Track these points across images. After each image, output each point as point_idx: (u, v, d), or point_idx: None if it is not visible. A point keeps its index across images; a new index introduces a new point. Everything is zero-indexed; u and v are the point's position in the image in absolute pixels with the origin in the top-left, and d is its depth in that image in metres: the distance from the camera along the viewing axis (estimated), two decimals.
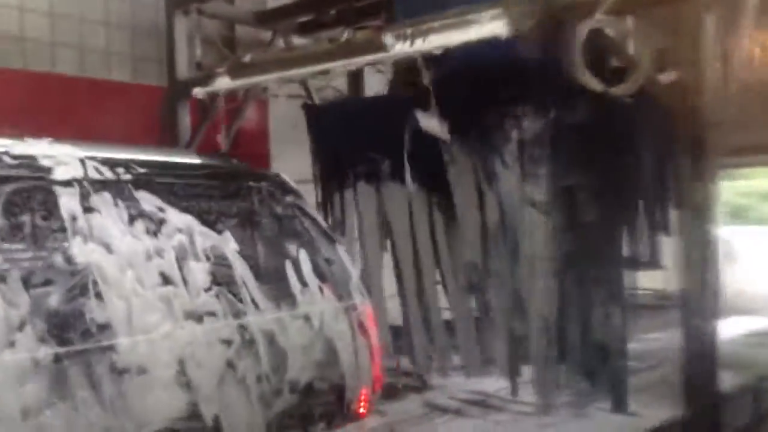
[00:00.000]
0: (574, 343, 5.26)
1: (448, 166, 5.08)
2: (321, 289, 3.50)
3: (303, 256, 3.50)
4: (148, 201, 3.04)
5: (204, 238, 3.12)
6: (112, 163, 3.02)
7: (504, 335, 5.19)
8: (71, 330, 2.57)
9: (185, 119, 5.89)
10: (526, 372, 5.49)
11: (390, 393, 6.33)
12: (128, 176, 3.03)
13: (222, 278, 3.10)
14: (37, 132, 5.28)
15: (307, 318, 3.35)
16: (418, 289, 5.64)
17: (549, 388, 5.16)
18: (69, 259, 2.65)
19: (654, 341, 7.16)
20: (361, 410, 3.53)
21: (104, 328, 2.66)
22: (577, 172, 5.13)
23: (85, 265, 2.68)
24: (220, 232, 3.20)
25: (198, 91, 5.31)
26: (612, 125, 4.83)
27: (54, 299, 2.57)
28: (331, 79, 5.69)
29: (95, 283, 2.68)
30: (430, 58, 4.60)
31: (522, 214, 4.89)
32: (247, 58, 5.06)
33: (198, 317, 2.96)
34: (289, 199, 3.68)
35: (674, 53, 4.36)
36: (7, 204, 2.60)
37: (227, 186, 3.43)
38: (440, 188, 5.20)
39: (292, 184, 3.85)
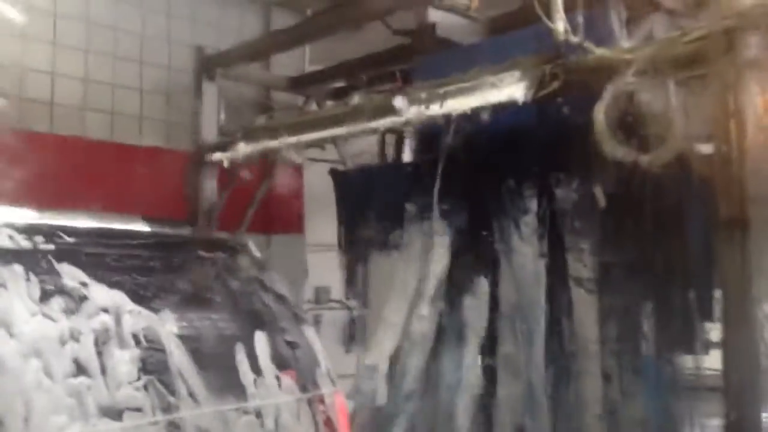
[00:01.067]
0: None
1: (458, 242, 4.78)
2: (279, 379, 3.06)
3: (260, 340, 3.07)
4: (69, 275, 2.66)
5: (135, 318, 2.71)
6: (32, 231, 2.68)
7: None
8: None
9: (210, 184, 5.80)
10: None
11: None
12: (49, 246, 2.67)
13: (152, 366, 2.67)
14: (67, 196, 5.40)
15: (258, 413, 2.90)
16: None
17: None
18: None
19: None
20: None
21: None
22: (618, 247, 4.75)
23: None
24: (156, 311, 2.80)
25: (216, 156, 5.22)
26: (649, 197, 4.44)
27: None
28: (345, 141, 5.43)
29: None
30: (448, 123, 4.38)
31: (547, 293, 4.52)
32: (260, 122, 4.93)
33: (117, 413, 2.52)
34: (249, 272, 3.32)
35: (713, 120, 3.96)
36: None
37: (172, 257, 3.06)
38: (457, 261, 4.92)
39: (256, 254, 3.48)
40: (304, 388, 3.14)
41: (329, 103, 6.51)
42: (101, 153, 5.80)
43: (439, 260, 4.88)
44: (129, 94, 6.23)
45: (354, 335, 8.30)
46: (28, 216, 2.79)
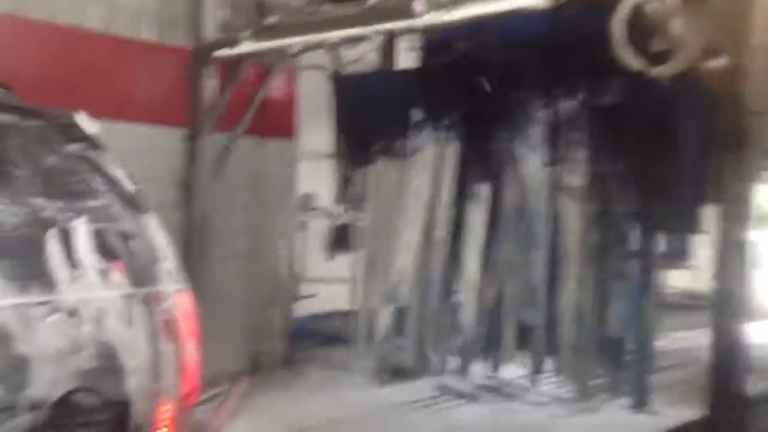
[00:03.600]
0: (598, 335, 5.12)
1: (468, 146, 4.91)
2: (103, 273, 2.57)
3: (79, 227, 2.57)
4: None
5: None
6: None
7: (513, 324, 5.05)
8: None
9: (210, 83, 5.76)
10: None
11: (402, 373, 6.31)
12: None
13: None
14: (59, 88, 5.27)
15: (71, 311, 2.44)
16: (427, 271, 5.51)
17: (581, 376, 5.02)
18: None
19: (680, 341, 6.97)
20: (161, 427, 2.68)
21: None
22: (612, 158, 4.96)
23: None
24: None
25: (221, 53, 5.17)
26: (650, 109, 4.63)
27: None
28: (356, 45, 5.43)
29: None
30: (462, 29, 4.44)
31: (547, 199, 4.74)
32: (272, 20, 4.89)
33: None
34: (73, 147, 2.75)
35: (723, 37, 4.11)
36: None
37: None
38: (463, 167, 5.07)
39: (87, 128, 2.90)
40: (137, 284, 2.67)
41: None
42: (96, 46, 5.64)
43: (450, 167, 5.04)
44: None
45: (337, 242, 8.51)
46: None
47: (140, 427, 2.60)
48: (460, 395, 5.94)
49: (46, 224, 2.52)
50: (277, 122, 6.67)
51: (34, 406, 2.32)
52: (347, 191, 6.63)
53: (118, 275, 2.63)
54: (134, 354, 2.59)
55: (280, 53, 5.28)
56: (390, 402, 5.71)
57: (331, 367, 6.76)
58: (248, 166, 6.45)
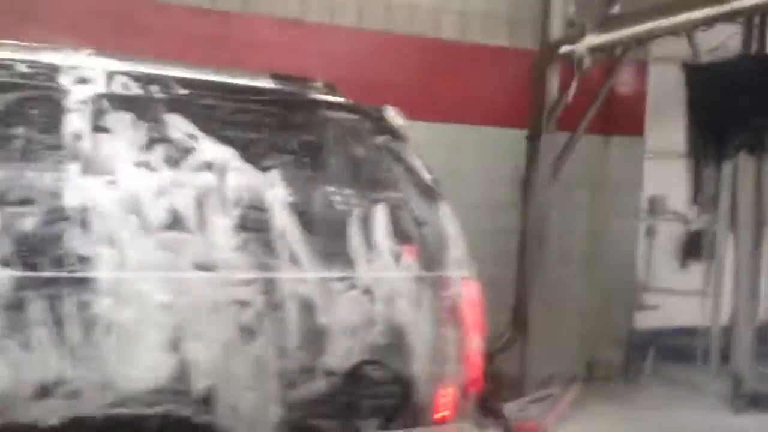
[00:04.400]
0: None
1: None
2: (397, 256, 2.69)
3: (380, 212, 2.72)
4: (178, 125, 2.54)
5: (241, 174, 2.56)
6: (147, 80, 2.61)
7: None
8: (43, 256, 2.23)
9: (553, 82, 5.69)
10: None
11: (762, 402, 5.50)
12: (162, 95, 2.59)
13: (253, 224, 2.51)
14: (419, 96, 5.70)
15: (366, 289, 2.61)
16: None
17: None
18: (59, 179, 2.31)
19: None
20: (440, 413, 2.70)
21: (84, 260, 2.26)
22: None
23: (76, 188, 2.31)
24: (265, 170, 2.61)
25: (565, 50, 5.05)
26: None
27: (30, 221, 2.24)
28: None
29: (85, 209, 2.30)
30: None
31: None
32: (617, 9, 4.62)
33: (209, 267, 2.42)
34: (380, 139, 2.91)
35: None
36: (5, 113, 2.34)
37: (292, 115, 2.80)
38: None
39: (395, 121, 3.04)
40: (427, 269, 2.75)
41: None
42: (452, 54, 5.96)
43: None
44: None
45: (689, 250, 7.77)
46: (146, 65, 2.70)
47: (422, 407, 2.66)
48: None
49: (351, 208, 2.69)
50: (622, 119, 6.34)
51: (330, 373, 2.51)
52: (700, 193, 6.00)
53: (410, 259, 2.72)
54: (420, 335, 2.66)
55: (627, 44, 4.97)
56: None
57: (674, 385, 6.20)
58: (590, 165, 6.24)
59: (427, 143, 5.58)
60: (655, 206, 7.94)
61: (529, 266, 5.75)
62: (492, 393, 5.04)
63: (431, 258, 2.77)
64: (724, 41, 5.88)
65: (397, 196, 2.80)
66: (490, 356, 5.55)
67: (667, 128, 6.64)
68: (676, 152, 6.54)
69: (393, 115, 3.04)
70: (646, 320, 7.28)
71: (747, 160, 4.93)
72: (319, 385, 2.50)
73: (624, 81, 6.35)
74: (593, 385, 5.94)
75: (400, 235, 2.73)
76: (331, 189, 2.69)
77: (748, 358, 5.71)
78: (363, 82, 5.43)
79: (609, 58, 5.71)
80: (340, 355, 2.53)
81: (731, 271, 5.88)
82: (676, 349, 7.00)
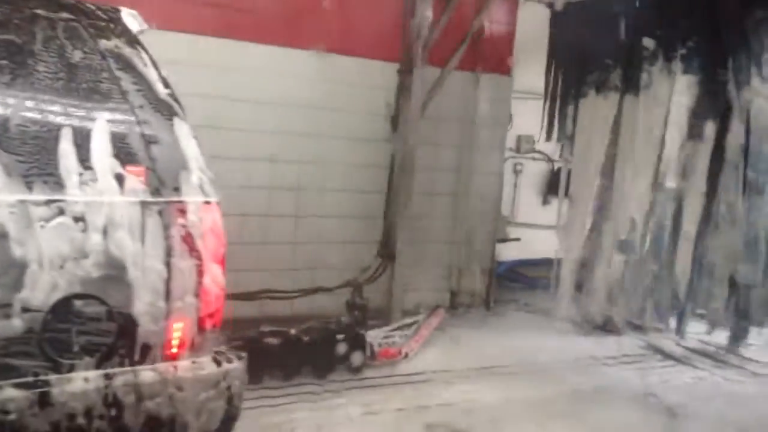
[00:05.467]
0: None
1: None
2: (120, 179, 2.39)
3: (99, 128, 2.41)
4: None
5: None
6: None
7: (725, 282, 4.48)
8: None
9: (425, 14, 5.70)
10: None
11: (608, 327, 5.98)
12: None
13: None
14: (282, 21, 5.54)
15: (78, 215, 2.31)
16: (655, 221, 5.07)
17: None
18: None
19: None
20: (171, 350, 2.51)
21: None
22: None
23: None
24: None
25: None
26: None
27: None
28: None
29: None
30: None
31: None
32: None
33: None
34: (106, 44, 2.56)
35: None
36: None
37: None
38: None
39: (130, 25, 2.69)
40: (156, 193, 2.46)
41: None
42: None
43: (681, 104, 4.55)
44: None
45: (551, 187, 8.19)
46: None
47: (147, 344, 2.45)
48: (669, 356, 5.49)
49: (62, 121, 2.38)
50: (492, 57, 6.48)
51: (29, 309, 2.25)
52: (559, 132, 6.29)
53: (136, 181, 2.45)
54: (144, 267, 2.43)
55: None
56: (590, 353, 5.43)
57: (531, 312, 6.60)
58: (459, 102, 6.37)
59: (300, 74, 5.68)
60: (522, 144, 8.29)
61: (396, 199, 5.87)
62: (357, 322, 5.20)
63: (162, 181, 2.49)
64: None
65: (123, 109, 2.49)
66: (358, 287, 5.73)
67: (535, 69, 6.87)
68: (542, 94, 6.80)
69: (129, 19, 2.69)
70: (508, 252, 7.68)
71: (598, 99, 5.17)
72: (17, 323, 2.22)
73: (495, 20, 6.48)
74: (456, 313, 6.22)
75: (125, 155, 2.44)
76: (37, 98, 2.35)
77: (599, 287, 6.13)
78: (235, 5, 5.30)
79: None
80: (42, 289, 2.25)
81: (583, 207, 6.23)
82: (535, 280, 7.44)
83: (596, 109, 5.35)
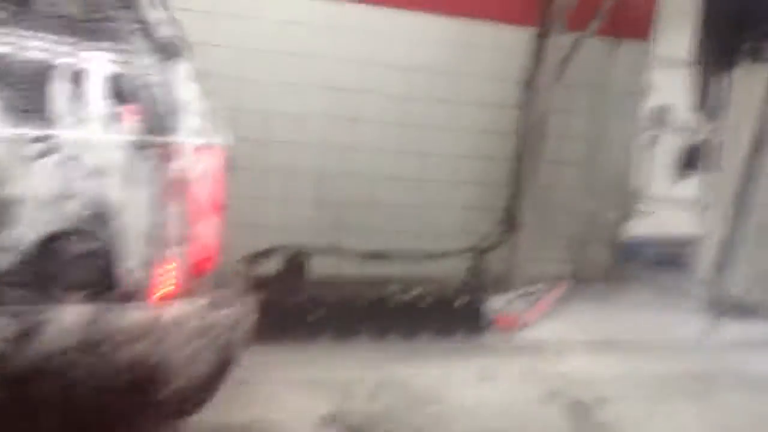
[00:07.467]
0: None
1: None
2: (113, 118, 2.36)
3: (96, 65, 2.35)
4: None
5: None
6: None
7: None
8: None
9: None
10: None
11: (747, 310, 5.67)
12: None
13: None
14: None
15: (69, 153, 2.28)
16: None
17: None
18: None
19: None
20: (160, 292, 2.46)
21: None
22: None
23: None
24: None
25: None
26: None
27: None
28: None
29: None
30: None
31: None
32: None
33: None
34: None
35: None
36: None
37: None
38: None
39: None
40: (150, 133, 2.39)
41: None
42: None
43: None
44: None
45: (690, 161, 7.78)
46: None
47: (135, 284, 2.41)
48: None
49: (56, 57, 2.33)
50: (632, 23, 6.21)
51: (16, 245, 2.25)
52: (705, 103, 5.96)
53: (130, 121, 2.39)
54: (133, 206, 2.39)
55: None
56: (720, 335, 5.19)
57: (658, 290, 6.37)
58: (596, 69, 6.16)
59: (432, 39, 5.70)
60: (660, 116, 7.90)
61: (523, 167, 5.80)
62: (478, 288, 5.24)
63: (157, 122, 2.43)
64: None
65: (121, 49, 2.44)
66: (481, 252, 5.75)
67: (679, 35, 6.51)
68: (684, 61, 6.44)
69: None
70: (639, 227, 7.40)
71: (753, 69, 4.84)
72: (2, 257, 2.23)
73: None
74: (579, 286, 6.11)
75: (120, 94, 2.39)
76: (32, 33, 2.32)
77: (735, 266, 5.83)
78: None
79: None
80: (29, 225, 2.25)
81: (731, 182, 5.90)
82: (666, 257, 7.14)
83: (750, 80, 5.02)
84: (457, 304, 4.77)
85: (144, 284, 2.43)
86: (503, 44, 5.87)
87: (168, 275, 2.47)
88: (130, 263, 2.41)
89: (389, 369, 4.03)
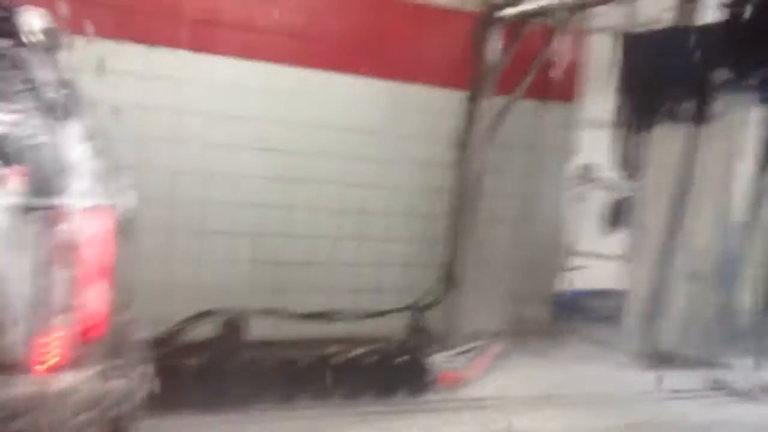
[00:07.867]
0: None
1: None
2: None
3: None
4: None
5: None
6: None
7: None
8: None
9: (494, 44, 5.77)
10: None
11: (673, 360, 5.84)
12: None
13: None
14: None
15: None
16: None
17: None
18: None
19: None
20: (45, 363, 2.35)
21: None
22: None
23: None
24: None
25: (506, 13, 5.12)
26: None
27: None
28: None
29: None
30: None
31: None
32: None
33: None
34: None
35: None
36: None
37: None
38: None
39: (30, 25, 2.57)
40: (36, 196, 2.31)
41: None
42: (395, 13, 5.98)
43: (755, 135, 4.48)
44: None
45: (615, 217, 8.08)
46: None
47: (14, 355, 2.31)
48: (737, 392, 5.33)
49: None
50: (558, 86, 6.50)
51: None
52: (627, 161, 6.24)
53: (15, 183, 2.31)
54: (12, 273, 2.30)
55: (564, 11, 5.08)
56: (653, 386, 5.31)
57: (594, 343, 6.50)
58: (525, 129, 6.39)
59: (367, 100, 5.81)
60: (586, 174, 8.22)
61: (460, 225, 5.90)
62: (418, 345, 5.23)
63: (45, 185, 2.34)
64: (659, 14, 6.08)
65: (7, 109, 2.38)
66: (420, 310, 5.77)
67: (602, 98, 6.84)
68: (607, 122, 6.76)
69: (30, 19, 2.58)
70: (572, 281, 7.59)
71: (671, 129, 5.13)
72: None
73: (561, 49, 6.49)
74: (517, 341, 6.17)
75: (5, 155, 2.32)
76: None
77: (663, 319, 6.01)
78: (308, 34, 5.48)
79: (548, 26, 5.83)
80: None
81: (654, 237, 6.13)
82: (598, 311, 7.33)
83: (668, 139, 5.30)
84: (398, 362, 4.75)
85: (28, 355, 2.32)
86: (435, 106, 6.04)
87: (54, 344, 2.35)
88: (12, 333, 2.29)
89: None
